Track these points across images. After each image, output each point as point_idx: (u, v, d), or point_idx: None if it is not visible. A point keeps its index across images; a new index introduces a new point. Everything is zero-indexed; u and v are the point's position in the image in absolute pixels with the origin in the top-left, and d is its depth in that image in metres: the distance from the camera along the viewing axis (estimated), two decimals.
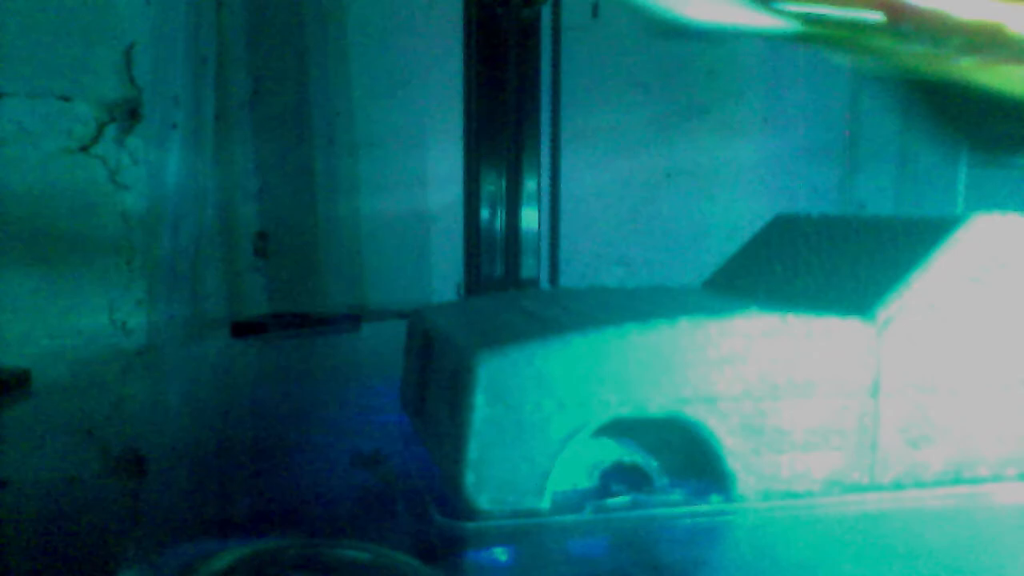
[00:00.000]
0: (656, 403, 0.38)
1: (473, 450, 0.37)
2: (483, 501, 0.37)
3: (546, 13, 1.01)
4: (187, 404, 0.67)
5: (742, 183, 1.43)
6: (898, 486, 0.41)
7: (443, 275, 1.32)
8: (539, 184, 1.04)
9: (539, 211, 1.04)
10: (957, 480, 0.42)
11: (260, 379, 0.76)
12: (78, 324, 1.00)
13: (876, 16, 0.39)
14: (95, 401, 0.65)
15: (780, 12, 0.40)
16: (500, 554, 0.35)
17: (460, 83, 1.03)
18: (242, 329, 0.97)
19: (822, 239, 0.50)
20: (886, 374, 0.41)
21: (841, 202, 1.46)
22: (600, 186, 1.38)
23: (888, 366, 0.41)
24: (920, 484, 0.41)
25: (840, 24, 0.39)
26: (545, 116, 1.04)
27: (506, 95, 1.01)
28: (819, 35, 0.40)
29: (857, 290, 0.43)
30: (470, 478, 0.37)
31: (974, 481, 0.42)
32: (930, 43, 0.40)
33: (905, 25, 0.39)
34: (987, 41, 0.40)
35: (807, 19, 0.39)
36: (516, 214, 1.03)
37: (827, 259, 0.48)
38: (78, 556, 0.35)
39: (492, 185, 1.03)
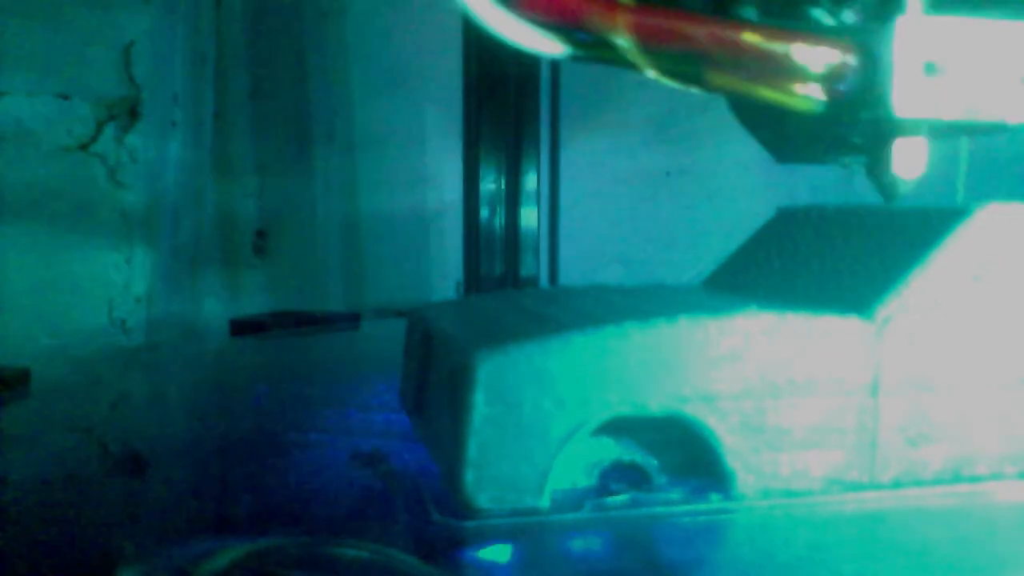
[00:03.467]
0: (656, 402, 0.38)
1: (472, 449, 0.37)
2: (483, 500, 0.37)
3: None
4: (186, 403, 0.67)
5: (742, 183, 1.43)
6: (897, 484, 0.41)
7: (443, 274, 1.32)
8: (539, 183, 1.04)
9: (538, 210, 1.04)
10: (956, 478, 0.42)
11: (259, 378, 0.76)
12: (78, 323, 1.00)
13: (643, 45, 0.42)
14: (95, 400, 0.65)
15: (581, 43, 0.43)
16: (500, 553, 0.35)
17: (460, 83, 1.03)
18: (241, 328, 0.96)
19: (824, 234, 0.50)
20: (886, 373, 0.41)
21: (841, 201, 1.46)
22: (600, 185, 1.38)
23: (888, 365, 0.41)
24: (919, 482, 0.41)
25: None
26: (545, 116, 1.04)
27: (506, 95, 1.01)
28: (591, 57, 0.43)
29: (857, 288, 0.43)
30: (470, 477, 0.37)
31: (973, 479, 0.42)
32: (682, 62, 0.43)
33: (654, 46, 0.43)
34: (740, 59, 0.43)
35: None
36: (515, 213, 1.03)
37: (828, 255, 0.48)
38: (78, 555, 0.35)
39: (492, 184, 1.03)
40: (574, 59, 0.43)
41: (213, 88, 1.21)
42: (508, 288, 1.02)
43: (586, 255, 1.37)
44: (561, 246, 1.05)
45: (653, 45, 0.42)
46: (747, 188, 1.42)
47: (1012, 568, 0.35)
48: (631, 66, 0.43)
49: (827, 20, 0.45)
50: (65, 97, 0.99)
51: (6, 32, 0.95)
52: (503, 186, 1.03)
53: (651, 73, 0.43)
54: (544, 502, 0.38)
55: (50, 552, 0.36)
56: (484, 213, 1.03)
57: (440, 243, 1.33)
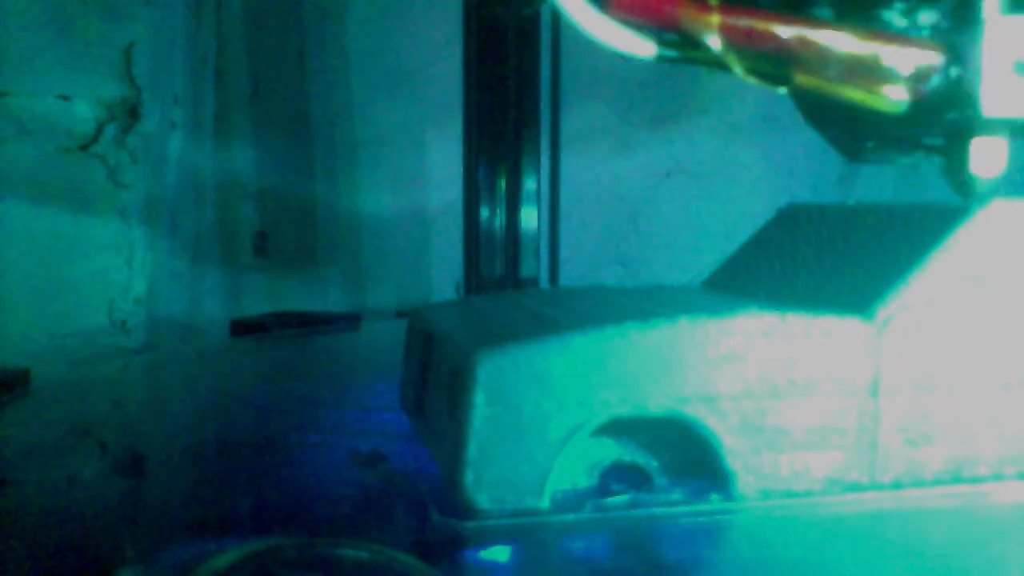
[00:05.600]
0: (656, 402, 0.38)
1: (473, 449, 0.37)
2: (482, 500, 0.37)
3: (546, 12, 1.01)
4: (187, 404, 0.67)
5: (742, 183, 1.43)
6: (898, 485, 0.41)
7: (443, 274, 1.32)
8: (539, 184, 1.04)
9: (539, 211, 1.04)
10: (957, 479, 0.42)
11: (259, 378, 0.76)
12: (78, 323, 1.00)
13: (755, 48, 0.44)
14: (95, 400, 0.65)
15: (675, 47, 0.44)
16: (500, 553, 0.35)
17: (460, 82, 1.03)
18: (241, 328, 0.96)
19: (825, 233, 0.50)
20: (886, 373, 0.41)
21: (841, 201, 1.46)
22: (600, 186, 1.38)
23: (888, 365, 0.41)
24: (920, 483, 0.41)
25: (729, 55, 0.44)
26: (545, 116, 1.04)
27: (506, 95, 1.01)
28: (680, 58, 0.44)
29: (857, 288, 0.43)
30: (470, 477, 0.37)
31: (974, 480, 0.42)
32: (765, 61, 0.44)
33: (740, 47, 0.44)
34: (816, 58, 0.44)
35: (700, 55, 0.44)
36: (516, 214, 1.03)
37: (829, 254, 0.48)
38: (78, 556, 0.35)
39: (492, 185, 1.03)
40: (664, 60, 0.44)
41: (213, 88, 1.21)
42: (508, 289, 1.02)
43: (586, 255, 1.37)
44: (561, 246, 1.05)
45: (743, 45, 0.43)
46: (747, 188, 1.42)
47: (1012, 569, 0.35)
48: (719, 66, 0.44)
49: (902, 22, 0.46)
50: (65, 98, 0.99)
51: (7, 33, 0.95)
52: (503, 186, 1.03)
53: (738, 73, 0.44)
54: (544, 503, 0.37)
55: (50, 552, 0.36)
56: (484, 213, 1.03)
57: (440, 243, 1.33)
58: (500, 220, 1.03)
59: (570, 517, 0.37)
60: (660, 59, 0.44)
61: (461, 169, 1.04)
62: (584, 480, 0.40)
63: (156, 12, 1.04)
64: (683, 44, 0.43)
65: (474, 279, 1.03)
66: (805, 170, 1.45)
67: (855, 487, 0.41)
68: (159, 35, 1.05)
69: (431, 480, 0.41)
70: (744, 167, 1.43)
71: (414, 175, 1.33)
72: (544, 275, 1.05)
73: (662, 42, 0.43)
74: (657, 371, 0.38)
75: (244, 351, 0.89)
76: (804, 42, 0.43)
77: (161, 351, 1.00)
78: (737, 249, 0.57)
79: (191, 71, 1.15)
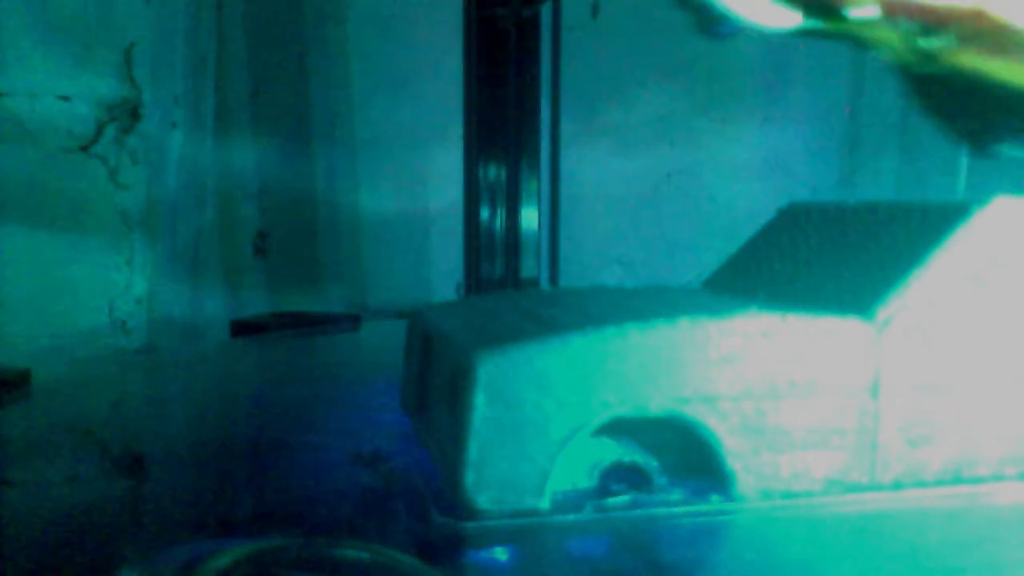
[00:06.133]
0: (656, 403, 0.38)
1: (473, 450, 0.37)
2: (483, 501, 0.37)
3: (546, 13, 1.01)
4: (187, 404, 0.67)
5: (742, 183, 1.43)
6: (898, 486, 0.41)
7: (443, 275, 1.32)
8: (539, 184, 1.04)
9: (539, 211, 1.04)
10: (957, 480, 0.42)
11: (259, 378, 0.76)
12: (78, 324, 1.00)
13: (872, 11, 0.40)
14: (95, 400, 0.65)
15: (800, 10, 0.41)
16: (500, 554, 0.35)
17: (460, 82, 1.03)
18: (242, 328, 0.96)
19: (826, 232, 0.50)
20: (886, 374, 0.41)
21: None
22: (600, 186, 1.38)
23: (888, 366, 0.41)
24: (920, 484, 0.41)
25: (845, 20, 0.40)
26: (545, 116, 1.04)
27: (506, 95, 1.01)
28: (826, 30, 0.41)
29: (858, 288, 0.43)
30: (470, 478, 0.37)
31: (974, 481, 0.42)
32: (925, 34, 0.41)
33: (900, 18, 0.40)
34: (984, 32, 0.41)
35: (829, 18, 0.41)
36: (516, 214, 1.03)
37: (830, 254, 0.48)
38: (78, 556, 0.35)
39: (492, 185, 1.03)
40: (808, 33, 0.41)
41: (213, 89, 1.21)
42: (508, 289, 1.02)
43: (586, 255, 1.37)
44: (561, 246, 1.05)
45: (897, 16, 0.40)
46: (747, 189, 1.42)
47: (1013, 570, 0.35)
48: (865, 41, 0.41)
49: None
50: (66, 98, 0.99)
51: (7, 33, 0.95)
52: (503, 188, 1.03)
53: (884, 50, 0.41)
54: (544, 503, 0.37)
55: (50, 552, 0.36)
56: (484, 213, 1.03)
57: (440, 244, 1.33)
58: (500, 220, 1.03)
59: (570, 517, 0.37)
60: (805, 32, 0.41)
61: (461, 169, 1.04)
62: (584, 480, 0.40)
63: (156, 12, 1.04)
64: (831, 15, 0.40)
65: (474, 279, 1.03)
66: (805, 170, 1.45)
67: (855, 487, 0.41)
68: (159, 35, 1.05)
69: (431, 480, 0.41)
70: (744, 168, 1.43)
71: (414, 175, 1.33)
72: (544, 275, 1.05)
73: (812, 12, 0.40)
74: (657, 371, 0.38)
75: (244, 351, 0.89)
76: (958, 12, 0.40)
77: (161, 351, 1.00)
78: (737, 249, 0.57)
79: (191, 71, 1.15)
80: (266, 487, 0.43)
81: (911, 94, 0.49)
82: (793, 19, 0.41)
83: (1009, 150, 0.50)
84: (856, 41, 0.42)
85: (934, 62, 0.42)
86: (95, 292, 1.01)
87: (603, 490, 0.40)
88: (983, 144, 0.51)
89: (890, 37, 0.41)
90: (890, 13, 0.40)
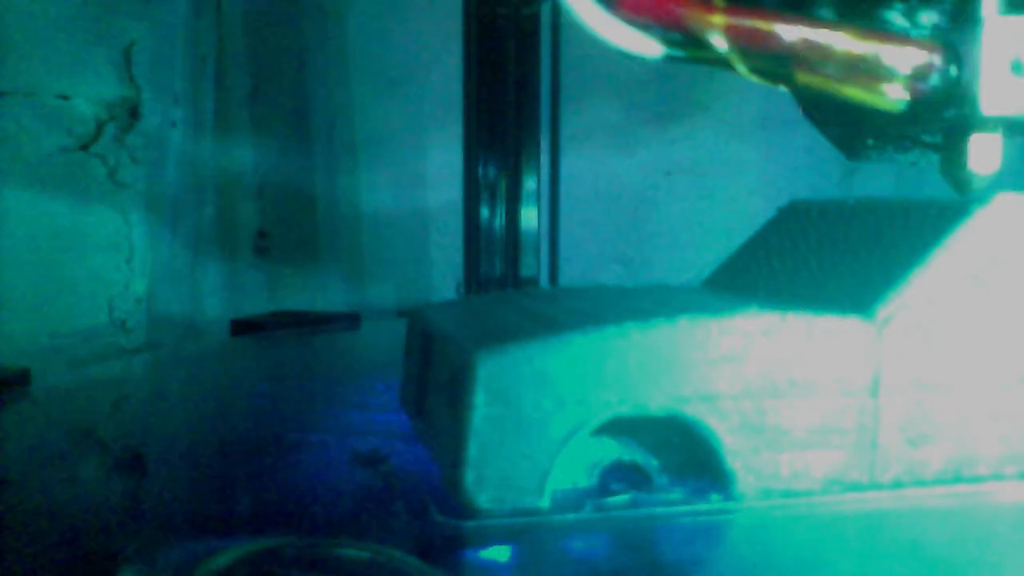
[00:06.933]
0: (656, 402, 0.38)
1: (473, 449, 0.37)
2: (483, 500, 0.37)
3: (546, 12, 1.01)
4: (186, 403, 0.67)
5: (742, 182, 1.43)
6: (898, 485, 0.41)
7: (443, 274, 1.32)
8: (539, 183, 1.04)
9: (539, 210, 1.04)
10: (957, 479, 0.42)
11: (259, 378, 0.76)
12: (78, 323, 1.00)
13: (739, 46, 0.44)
14: (95, 400, 0.65)
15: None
16: (500, 553, 0.35)
17: (460, 82, 1.03)
18: (242, 328, 0.96)
19: (827, 230, 0.50)
20: (886, 373, 0.41)
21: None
22: (600, 185, 1.38)
23: (888, 364, 0.41)
24: (920, 483, 0.41)
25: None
26: (545, 115, 1.03)
27: (506, 94, 1.01)
28: (687, 58, 0.45)
29: (858, 287, 0.43)
30: (470, 477, 0.37)
31: (974, 480, 0.42)
32: (768, 62, 0.45)
33: (744, 47, 0.44)
34: (826, 59, 0.44)
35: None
36: (516, 213, 1.03)
37: (830, 252, 0.48)
38: (78, 556, 0.35)
39: (492, 184, 1.03)
40: (669, 60, 0.44)
41: (213, 88, 1.21)
42: (508, 288, 1.02)
43: (586, 255, 1.37)
44: (561, 246, 1.05)
45: (746, 45, 0.44)
46: (747, 188, 1.42)
47: (1013, 569, 0.35)
48: (724, 66, 0.45)
49: (903, 21, 0.47)
50: (65, 98, 0.99)
51: (6, 32, 0.95)
52: (503, 187, 1.03)
53: (742, 72, 0.45)
54: (544, 502, 0.37)
55: (50, 552, 0.36)
56: (484, 213, 1.03)
57: (440, 243, 1.33)
58: (500, 220, 1.03)
59: (570, 517, 0.37)
60: (666, 59, 0.44)
61: (461, 169, 1.04)
62: (584, 480, 0.40)
63: (156, 12, 1.04)
64: (688, 44, 0.44)
65: (474, 279, 1.03)
66: (805, 170, 1.45)
67: (855, 487, 0.41)
68: (159, 35, 1.05)
69: (431, 480, 0.41)
70: (744, 167, 1.43)
71: (414, 175, 1.33)
72: (544, 275, 1.05)
73: (667, 42, 0.44)
74: (657, 371, 0.38)
75: (244, 351, 0.89)
76: (806, 42, 0.44)
77: (161, 351, 1.00)
78: (737, 248, 0.57)
79: (191, 71, 1.14)
80: (266, 486, 0.43)
81: (796, 100, 0.53)
82: (654, 48, 0.44)
83: (877, 156, 0.53)
84: (715, 67, 0.45)
85: (784, 85, 0.46)
86: (95, 291, 1.01)
87: (603, 489, 0.40)
88: (853, 149, 0.54)
89: (740, 63, 0.44)
90: (738, 43, 0.44)
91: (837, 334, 0.40)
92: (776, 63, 0.44)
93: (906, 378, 0.41)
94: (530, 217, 1.04)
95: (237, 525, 0.39)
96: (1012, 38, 0.44)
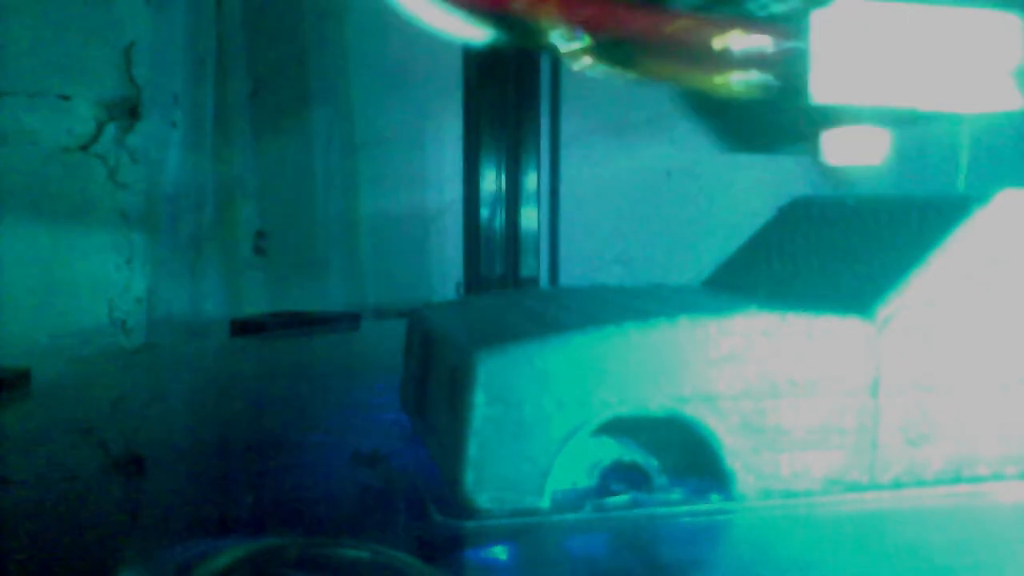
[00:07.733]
0: (656, 402, 0.38)
1: (473, 449, 0.37)
2: (483, 500, 0.37)
3: None
4: (186, 403, 0.67)
5: (742, 182, 1.43)
6: (898, 485, 0.41)
7: (443, 274, 1.32)
8: (539, 183, 1.04)
9: (539, 210, 1.04)
10: (957, 479, 0.42)
11: (259, 378, 0.76)
12: (78, 323, 1.00)
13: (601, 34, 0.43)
14: (95, 400, 0.65)
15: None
16: (500, 553, 0.35)
17: (460, 83, 1.03)
18: (241, 328, 0.96)
19: (827, 229, 0.50)
20: (886, 373, 0.41)
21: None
22: (600, 185, 1.38)
23: (888, 365, 0.41)
24: (920, 483, 0.41)
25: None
26: (545, 116, 1.03)
27: (506, 95, 1.01)
28: (515, 43, 0.44)
29: (858, 286, 0.43)
30: (470, 477, 0.37)
31: (974, 480, 0.42)
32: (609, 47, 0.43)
33: (579, 32, 0.43)
34: (668, 46, 0.43)
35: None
36: (516, 213, 1.03)
37: (830, 251, 0.48)
38: (78, 556, 0.35)
39: (492, 184, 1.03)
40: (501, 45, 0.43)
41: (213, 88, 1.21)
42: (508, 288, 1.02)
43: (586, 255, 1.37)
44: (561, 246, 1.05)
45: (582, 31, 0.42)
46: (748, 188, 1.42)
47: (1013, 569, 0.35)
48: (558, 52, 0.43)
49: (761, 10, 0.45)
50: (65, 98, 0.99)
51: (7, 32, 0.95)
52: (503, 186, 1.03)
53: (584, 60, 0.43)
54: (544, 502, 0.37)
55: (50, 552, 0.36)
56: (484, 213, 1.03)
57: (440, 243, 1.33)
58: (500, 220, 1.03)
59: (570, 517, 0.37)
60: (493, 44, 0.43)
61: (461, 169, 1.04)
62: (584, 480, 0.40)
63: (156, 12, 1.04)
64: (518, 29, 0.42)
65: (474, 279, 1.03)
66: (805, 169, 1.45)
67: (855, 487, 0.40)
68: (159, 35, 1.05)
69: (431, 480, 0.41)
70: (744, 167, 1.43)
71: (414, 175, 1.33)
72: (544, 275, 1.05)
73: (499, 26, 0.42)
74: (657, 371, 0.38)
75: (244, 351, 0.89)
76: (642, 27, 0.42)
77: (161, 351, 1.00)
78: (738, 248, 0.57)
79: (191, 71, 1.14)
80: (266, 486, 0.43)
81: (680, 93, 0.51)
82: (478, 33, 0.42)
83: (756, 147, 0.53)
84: (548, 53, 0.44)
85: (632, 73, 0.44)
86: (95, 291, 1.01)
87: (603, 489, 0.40)
88: (731, 141, 0.53)
89: (578, 51, 0.43)
90: (574, 29, 0.42)
91: (837, 334, 0.40)
92: (616, 51, 0.43)
93: (906, 378, 0.41)
94: (530, 217, 1.04)
95: (237, 525, 0.39)
96: (843, 25, 0.41)
